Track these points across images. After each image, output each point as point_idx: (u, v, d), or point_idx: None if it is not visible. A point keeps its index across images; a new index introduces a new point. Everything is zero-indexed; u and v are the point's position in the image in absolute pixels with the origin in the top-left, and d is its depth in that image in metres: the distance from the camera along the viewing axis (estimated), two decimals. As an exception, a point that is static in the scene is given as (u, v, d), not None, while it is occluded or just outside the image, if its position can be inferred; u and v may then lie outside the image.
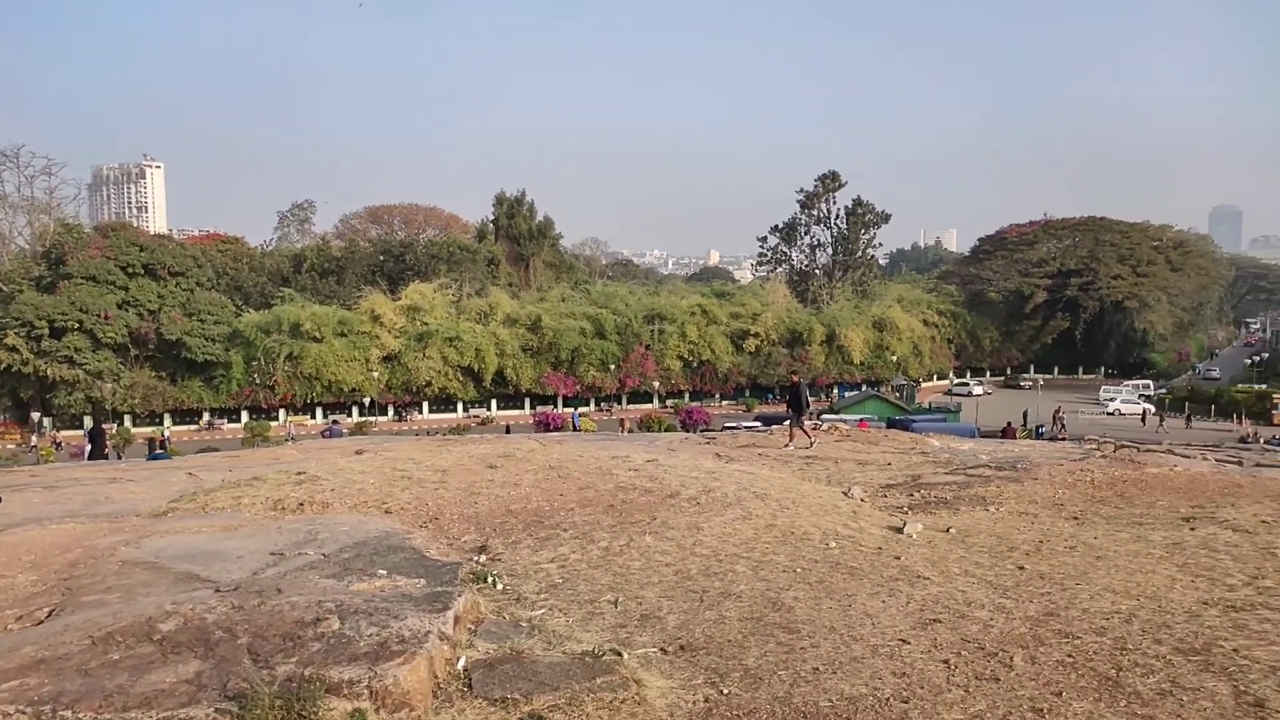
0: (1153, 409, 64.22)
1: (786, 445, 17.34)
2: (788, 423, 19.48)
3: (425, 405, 67.09)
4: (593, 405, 69.86)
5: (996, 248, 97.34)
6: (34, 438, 55.24)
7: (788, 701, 4.36)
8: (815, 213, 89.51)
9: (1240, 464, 15.12)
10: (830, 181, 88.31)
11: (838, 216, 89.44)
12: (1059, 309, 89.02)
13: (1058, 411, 54.51)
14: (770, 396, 71.29)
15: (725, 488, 9.62)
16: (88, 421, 53.70)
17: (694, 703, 4.35)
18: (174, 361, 60.58)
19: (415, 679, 4.15)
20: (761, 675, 4.70)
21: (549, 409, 63.46)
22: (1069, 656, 4.96)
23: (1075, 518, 9.12)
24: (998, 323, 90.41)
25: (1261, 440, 44.16)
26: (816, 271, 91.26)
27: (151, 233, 79.01)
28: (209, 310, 61.59)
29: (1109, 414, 62.49)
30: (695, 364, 72.54)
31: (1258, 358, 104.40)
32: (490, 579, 6.23)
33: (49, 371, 55.55)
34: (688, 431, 40.58)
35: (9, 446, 53.38)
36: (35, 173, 65.39)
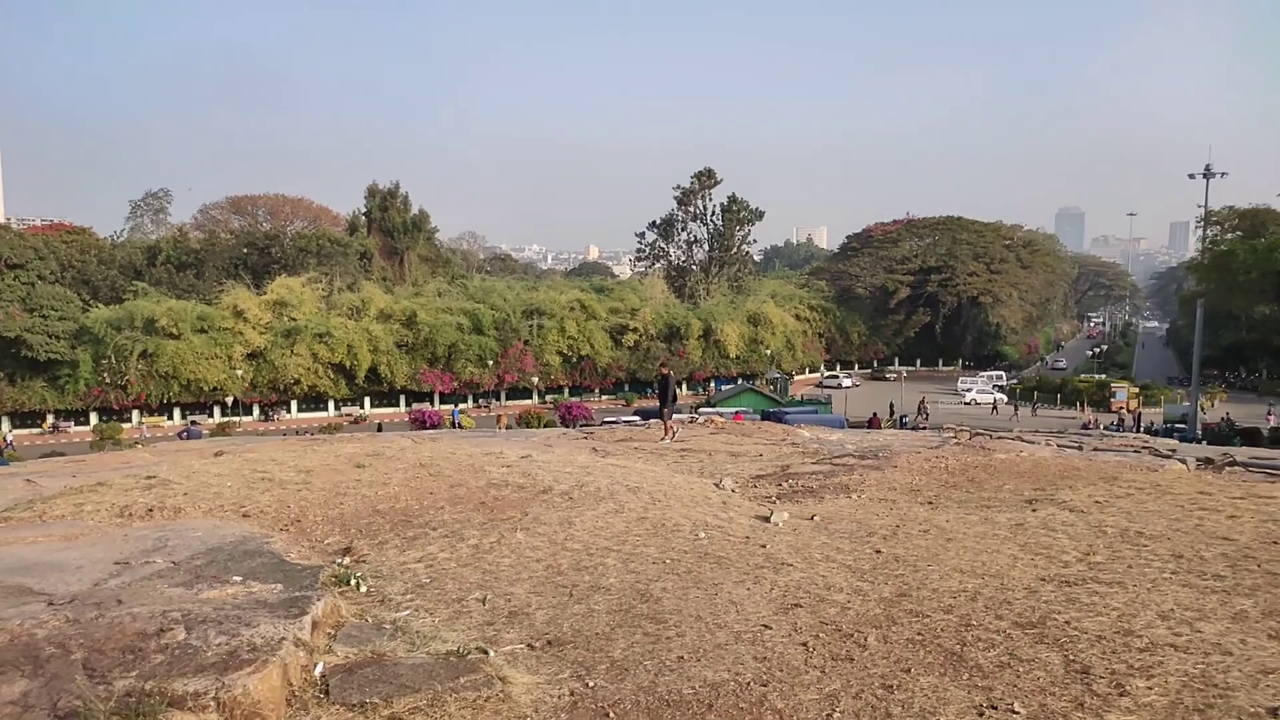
0: (1005, 398, 68.22)
1: (663, 439, 17.55)
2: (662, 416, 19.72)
3: (294, 404, 64.57)
4: (470, 402, 68.87)
5: (863, 245, 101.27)
6: None
7: (652, 690, 4.42)
8: (692, 209, 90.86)
9: (1080, 449, 16.25)
10: (706, 179, 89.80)
11: (713, 213, 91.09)
12: (921, 304, 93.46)
13: (922, 401, 57.16)
14: (649, 391, 71.98)
15: (599, 482, 9.65)
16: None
17: (559, 697, 4.35)
18: (13, 360, 56.15)
19: (267, 688, 3.99)
20: (628, 666, 4.74)
21: (425, 406, 62.15)
22: (918, 634, 5.21)
23: (930, 502, 9.59)
24: (865, 317, 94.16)
25: (1101, 426, 47.61)
26: (694, 267, 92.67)
27: (-16, 222, 73.01)
28: (52, 305, 57.38)
29: (966, 404, 65.96)
30: (575, 359, 72.50)
31: (1098, 349, 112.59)
32: (353, 581, 6.06)
33: None
34: (567, 427, 40.51)
35: None
36: None
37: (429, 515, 8.16)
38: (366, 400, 66.51)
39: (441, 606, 5.71)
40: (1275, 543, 7.27)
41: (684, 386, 78.23)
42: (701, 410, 41.35)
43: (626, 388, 74.25)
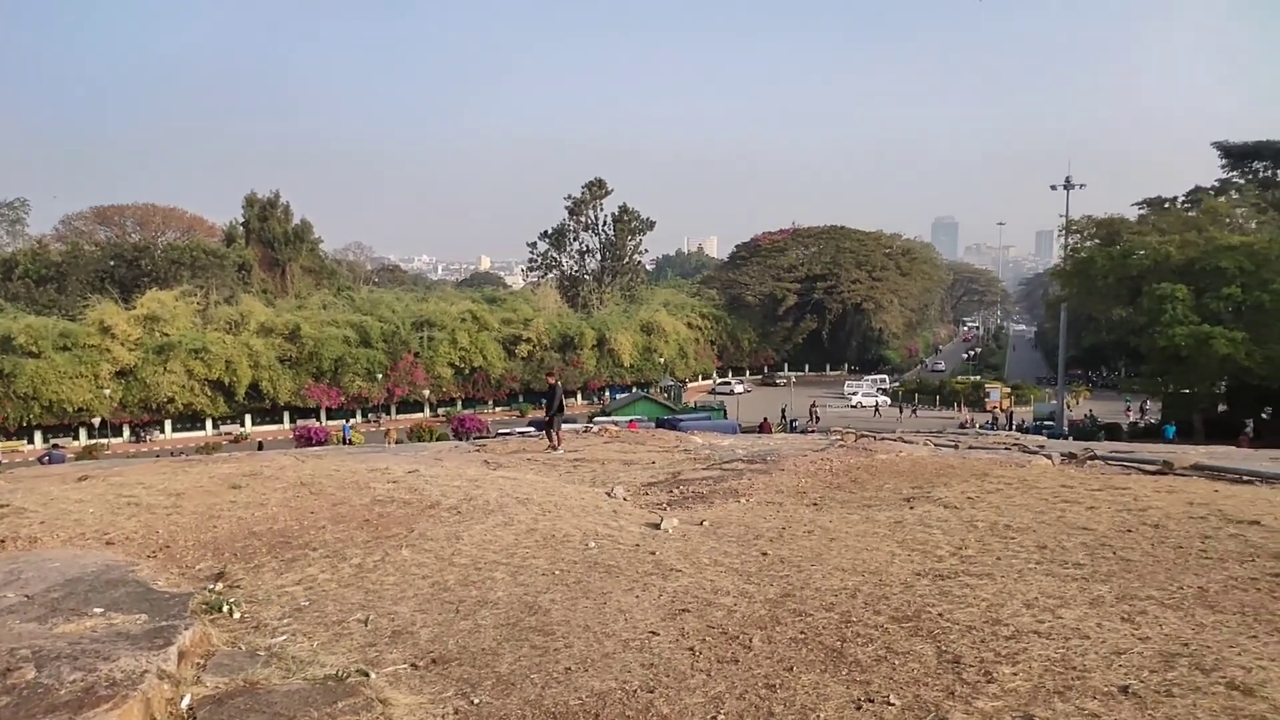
0: (889, 400, 70.80)
1: (555, 449, 17.47)
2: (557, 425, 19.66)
3: (168, 424, 61.45)
4: (360, 417, 66.99)
5: (752, 254, 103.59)
6: None
7: (539, 704, 4.37)
8: (584, 219, 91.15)
9: (955, 447, 16.98)
10: (597, 189, 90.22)
11: (605, 223, 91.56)
12: (808, 311, 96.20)
13: (813, 405, 58.74)
14: (543, 401, 71.57)
15: (488, 495, 9.53)
16: None
17: (442, 716, 4.26)
18: None
19: (126, 725, 3.77)
20: (514, 680, 4.68)
21: (311, 422, 60.13)
22: (801, 633, 5.33)
23: (815, 504, 9.85)
24: (755, 324, 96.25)
25: (977, 425, 49.98)
26: (586, 277, 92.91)
27: None
28: (-108, 324, 53.08)
29: (852, 407, 68.15)
30: (467, 371, 71.51)
31: (973, 352, 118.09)
32: (226, 607, 5.79)
33: None
34: (460, 440, 39.91)
35: None
36: None
37: (309, 535, 7.88)
38: (248, 418, 63.87)
39: (321, 629, 5.51)
40: (1129, 531, 7.76)
41: (579, 396, 78.21)
42: (596, 419, 41.44)
43: (521, 399, 73.66)
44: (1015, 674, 4.58)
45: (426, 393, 68.72)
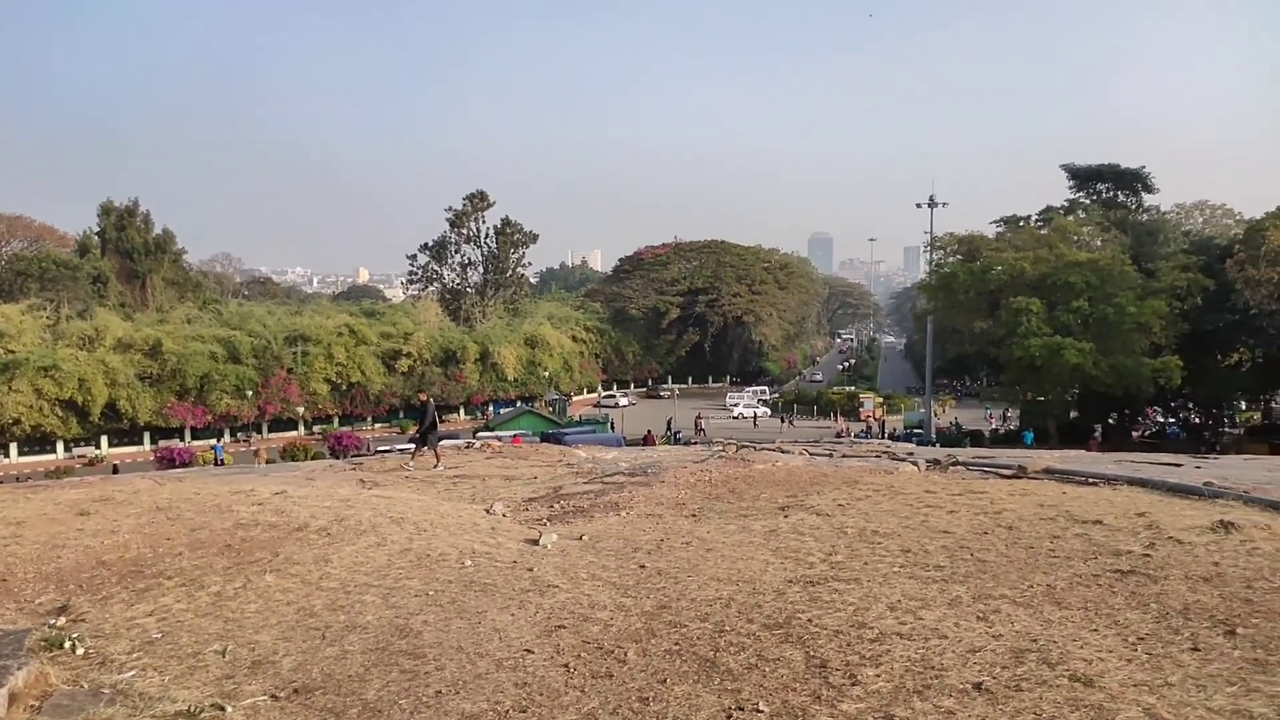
0: (769, 411, 72.51)
1: (435, 466, 17.14)
2: (440, 443, 19.33)
3: (13, 447, 57.03)
4: (228, 436, 63.88)
5: (635, 268, 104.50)
6: None
7: (407, 730, 4.25)
8: (465, 231, 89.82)
9: (830, 456, 17.52)
10: (479, 201, 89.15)
11: (487, 236, 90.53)
12: (691, 324, 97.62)
13: (699, 417, 59.55)
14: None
15: (360, 515, 9.23)
16: None
17: (304, 749, 4.09)
18: None
19: (-56, 779, 3.46)
20: (381, 708, 4.54)
21: (174, 443, 56.92)
22: (676, 645, 5.37)
23: (694, 515, 9.97)
24: (639, 337, 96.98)
25: (852, 434, 51.78)
26: (469, 290, 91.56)
27: None
28: None
29: (734, 418, 69.43)
30: (344, 387, 69.19)
31: (848, 364, 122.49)
32: (68, 643, 5.40)
33: None
34: (336, 458, 38.58)
35: None
36: None
37: (164, 563, 7.44)
38: (104, 439, 59.94)
39: (174, 663, 5.21)
40: (985, 533, 8.17)
41: (462, 411, 76.90)
42: (479, 434, 40.79)
43: (402, 414, 71.75)
44: (878, 675, 4.74)
45: (301, 410, 66.12)
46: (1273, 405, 56.11)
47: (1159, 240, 54.12)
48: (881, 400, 69.86)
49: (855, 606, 6.01)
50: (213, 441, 56.49)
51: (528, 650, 5.34)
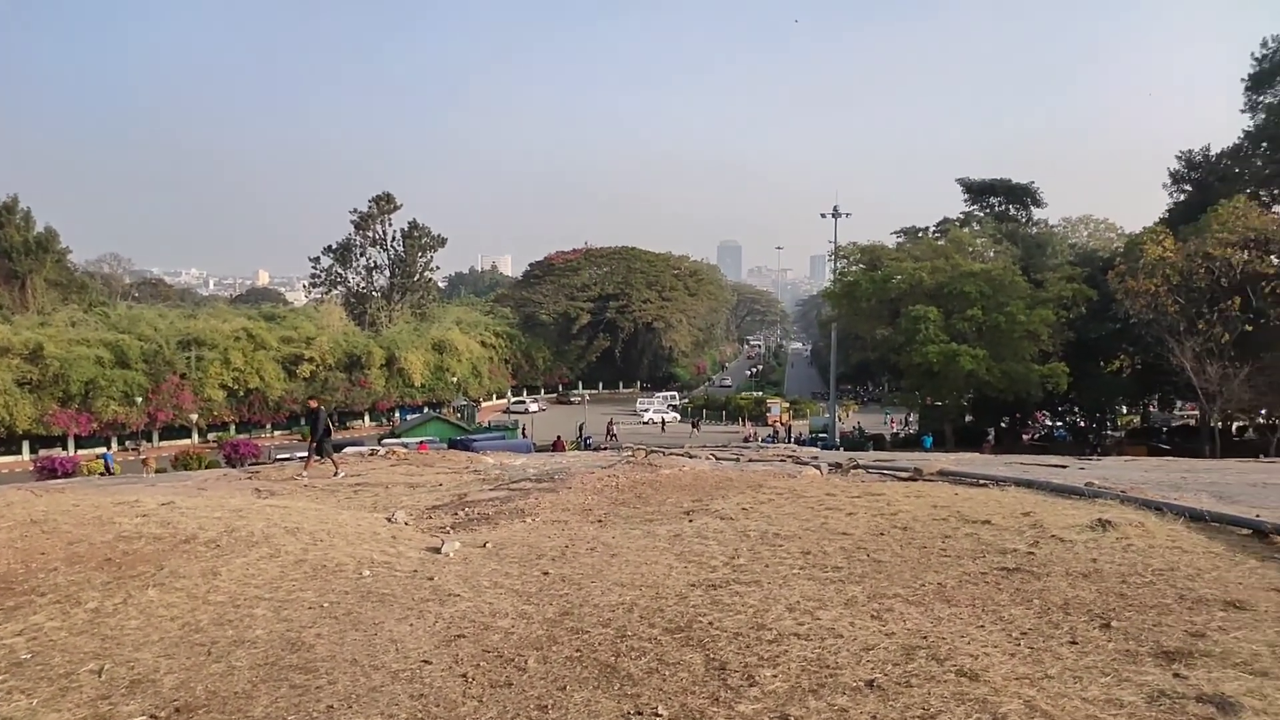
0: (678, 416, 73.12)
1: (335, 474, 16.69)
2: (341, 450, 18.87)
3: (-127, 459, 53.19)
4: (115, 444, 60.85)
5: (546, 273, 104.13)
6: None
7: (295, 748, 4.10)
8: (371, 234, 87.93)
9: (736, 461, 17.76)
10: (385, 203, 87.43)
11: (394, 239, 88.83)
12: (601, 329, 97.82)
13: (610, 423, 59.54)
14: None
15: (252, 525, 8.90)
16: None
17: (183, 771, 3.91)
18: None
19: None
20: (269, 725, 4.37)
21: (56, 452, 53.91)
22: (577, 651, 5.34)
23: (600, 520, 9.96)
24: (550, 343, 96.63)
25: (759, 439, 52.60)
26: (374, 294, 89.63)
27: None
28: None
29: (644, 423, 69.76)
30: (242, 393, 66.80)
31: (756, 369, 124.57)
32: (-76, 669, 5.04)
33: None
34: (232, 466, 37.17)
35: None
36: None
37: (37, 579, 7.02)
38: (-24, 449, 56.40)
39: (44, 684, 4.91)
40: (881, 534, 8.39)
41: (367, 418, 75.14)
42: (385, 441, 39.91)
43: (303, 421, 69.62)
44: (775, 676, 4.81)
45: (194, 417, 63.54)
46: (1151, 409, 59.53)
47: (1047, 252, 56.81)
48: (788, 405, 71.26)
49: (755, 608, 6.09)
50: (102, 449, 53.70)
51: (425, 661, 5.23)
